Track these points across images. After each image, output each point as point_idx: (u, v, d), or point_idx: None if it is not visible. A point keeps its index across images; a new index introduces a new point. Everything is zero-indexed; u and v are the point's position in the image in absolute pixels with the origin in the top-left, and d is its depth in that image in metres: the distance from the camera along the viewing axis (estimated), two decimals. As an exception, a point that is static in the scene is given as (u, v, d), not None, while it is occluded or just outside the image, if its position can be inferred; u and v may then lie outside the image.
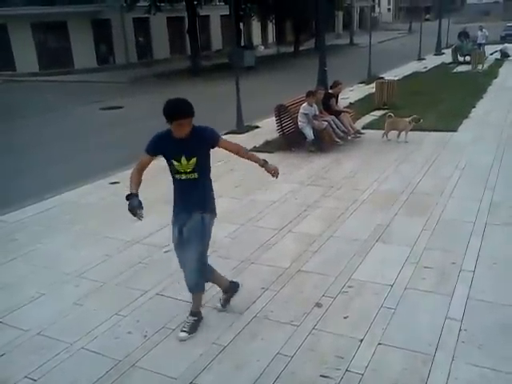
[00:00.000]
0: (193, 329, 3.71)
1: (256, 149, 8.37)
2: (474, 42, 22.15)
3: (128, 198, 3.40)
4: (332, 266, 4.61)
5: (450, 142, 8.85)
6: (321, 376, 3.21)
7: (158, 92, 18.86)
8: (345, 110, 9.85)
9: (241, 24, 30.34)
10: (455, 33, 24.03)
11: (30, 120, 14.21)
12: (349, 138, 9.21)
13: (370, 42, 18.53)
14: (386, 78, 14.02)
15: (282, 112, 9.12)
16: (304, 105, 8.55)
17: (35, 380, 3.34)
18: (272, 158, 8.10)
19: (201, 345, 3.58)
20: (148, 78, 23.77)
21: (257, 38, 40.74)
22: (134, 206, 3.36)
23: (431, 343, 3.44)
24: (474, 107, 11.73)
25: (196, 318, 3.77)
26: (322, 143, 8.69)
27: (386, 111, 10.27)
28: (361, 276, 4.40)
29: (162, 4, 26.04)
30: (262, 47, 38.83)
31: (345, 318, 3.81)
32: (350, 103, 12.72)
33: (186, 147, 3.39)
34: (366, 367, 3.25)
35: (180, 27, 30.89)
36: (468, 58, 20.70)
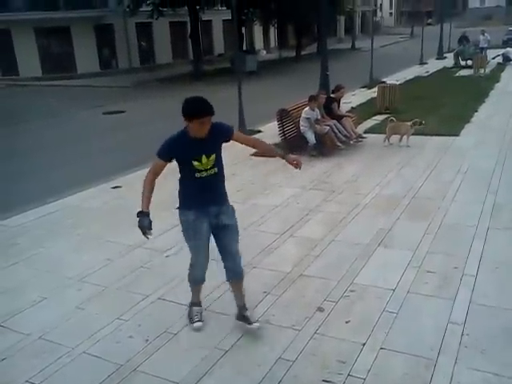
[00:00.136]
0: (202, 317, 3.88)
1: (258, 153, 8.37)
2: (475, 47, 22.17)
3: (139, 215, 3.39)
4: (334, 270, 4.60)
5: (452, 147, 8.85)
6: (323, 381, 3.20)
7: (161, 96, 18.97)
8: (347, 114, 9.86)
9: (243, 29, 30.50)
10: (457, 37, 24.08)
11: (32, 124, 14.26)
12: (351, 142, 9.21)
13: (372, 47, 18.56)
14: (388, 82, 14.00)
15: (284, 116, 9.14)
16: (306, 109, 8.57)
17: (37, 384, 3.34)
18: (274, 163, 8.15)
19: (202, 349, 3.57)
20: (150, 83, 23.85)
21: (259, 43, 40.86)
22: (144, 226, 3.38)
23: (433, 348, 3.43)
24: (476, 111, 11.73)
25: (201, 307, 3.92)
26: (324, 147, 8.69)
27: (388, 115, 10.27)
28: (363, 280, 4.39)
29: (165, 9, 26.13)
30: (264, 52, 38.91)
31: (347, 322, 3.80)
32: (352, 107, 12.72)
33: (206, 145, 3.37)
34: (368, 372, 3.24)
35: (182, 32, 31.00)
36: (470, 63, 20.72)
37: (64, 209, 6.80)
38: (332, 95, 9.67)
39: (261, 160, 8.38)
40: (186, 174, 3.47)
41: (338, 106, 9.59)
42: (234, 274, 3.72)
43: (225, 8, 27.72)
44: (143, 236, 3.43)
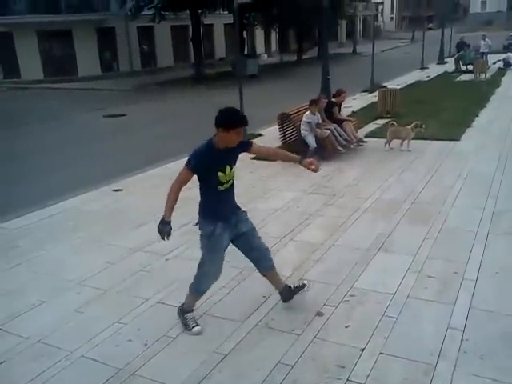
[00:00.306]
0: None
1: (259, 157, 8.37)
2: (476, 52, 22.20)
3: (161, 222, 3.49)
4: (334, 274, 4.59)
5: (453, 151, 8.85)
6: (322, 385, 3.19)
7: (162, 100, 18.99)
8: (347, 118, 9.87)
9: (244, 32, 30.52)
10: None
11: (34, 127, 14.29)
12: (351, 146, 9.21)
13: (373, 51, 18.58)
14: (389, 86, 14.03)
15: (284, 120, 9.15)
16: (307, 113, 8.58)
17: (35, 387, 3.33)
18: (274, 167, 8.17)
19: (201, 353, 3.57)
20: (151, 86, 23.89)
21: (260, 47, 40.94)
22: (164, 231, 3.49)
23: (433, 353, 3.42)
24: (477, 116, 11.74)
25: (192, 312, 3.93)
26: (325, 152, 8.69)
27: (389, 120, 10.28)
28: (363, 285, 4.38)
29: (167, 13, 26.20)
30: (266, 56, 39.02)
31: (346, 327, 3.80)
32: (353, 112, 12.74)
33: (229, 156, 3.48)
34: (368, 377, 3.23)
35: (184, 35, 31.07)
36: (471, 67, 20.76)
37: (65, 211, 6.81)
38: (333, 99, 9.68)
39: (261, 164, 8.39)
40: (209, 186, 3.53)
41: (339, 110, 9.59)
42: (265, 267, 3.91)
43: (226, 12, 27.78)
44: (160, 237, 3.53)
